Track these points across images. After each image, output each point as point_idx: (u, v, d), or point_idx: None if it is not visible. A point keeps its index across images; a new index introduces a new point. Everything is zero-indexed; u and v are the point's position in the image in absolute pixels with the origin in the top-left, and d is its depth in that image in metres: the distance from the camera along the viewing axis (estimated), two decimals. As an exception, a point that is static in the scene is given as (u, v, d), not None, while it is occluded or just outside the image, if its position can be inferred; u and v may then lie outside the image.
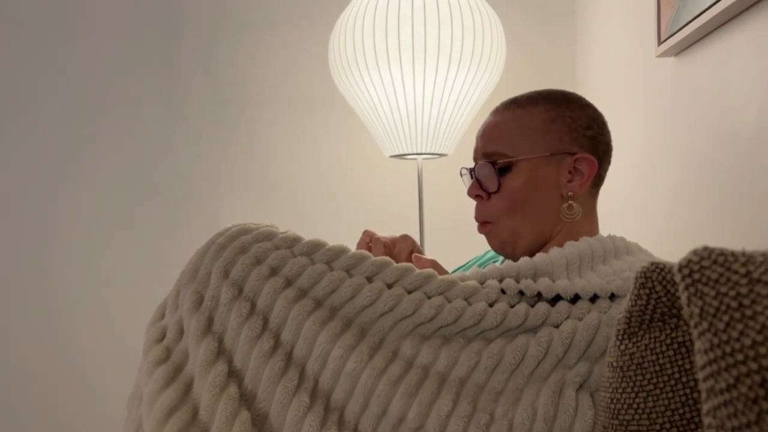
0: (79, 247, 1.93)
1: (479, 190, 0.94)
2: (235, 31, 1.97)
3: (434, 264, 0.93)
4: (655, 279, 0.55)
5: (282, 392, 0.72)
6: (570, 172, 0.91)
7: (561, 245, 0.89)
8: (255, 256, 0.79)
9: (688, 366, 0.55)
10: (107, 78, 1.95)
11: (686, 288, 0.46)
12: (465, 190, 0.98)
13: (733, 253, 0.45)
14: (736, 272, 0.44)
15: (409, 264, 0.81)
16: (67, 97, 1.95)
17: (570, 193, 0.90)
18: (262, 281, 0.78)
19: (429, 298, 0.78)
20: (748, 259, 0.44)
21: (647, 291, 0.56)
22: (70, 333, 1.92)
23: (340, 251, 0.81)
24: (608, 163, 0.96)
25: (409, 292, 0.78)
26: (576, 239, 0.89)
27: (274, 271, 0.79)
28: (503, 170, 0.91)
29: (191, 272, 0.81)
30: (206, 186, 1.96)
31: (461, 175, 1.02)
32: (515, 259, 0.91)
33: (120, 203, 1.94)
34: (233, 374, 0.75)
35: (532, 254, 0.91)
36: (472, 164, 0.98)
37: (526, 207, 0.90)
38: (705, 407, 0.44)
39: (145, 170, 1.95)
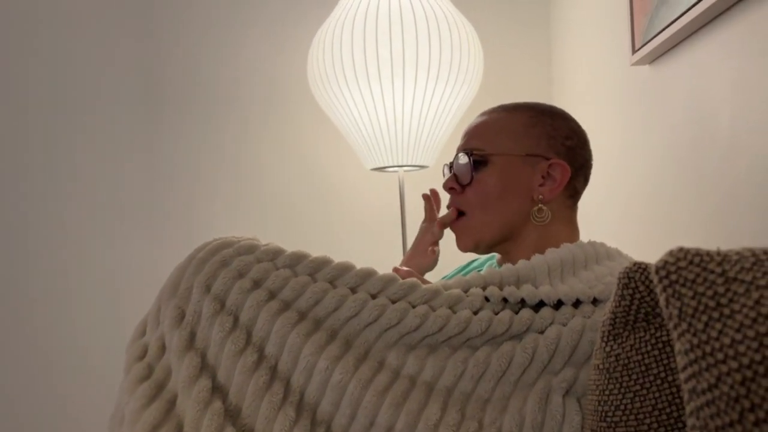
0: (57, 255, 1.91)
1: (454, 183, 0.98)
2: (215, 43, 1.97)
3: (410, 274, 0.93)
4: (638, 279, 0.56)
5: (267, 406, 0.72)
6: (543, 177, 0.94)
7: (534, 249, 0.92)
8: (237, 269, 0.79)
9: (673, 365, 0.55)
10: (81, 84, 1.93)
11: (664, 289, 0.47)
12: (448, 200, 1.01)
13: (708, 253, 0.46)
14: (712, 272, 0.45)
15: (392, 273, 0.81)
16: (40, 100, 1.93)
17: (540, 197, 0.93)
18: (245, 294, 0.77)
19: (413, 307, 0.78)
20: (723, 258, 0.45)
21: (630, 291, 0.57)
22: (46, 352, 1.89)
23: (324, 262, 0.81)
24: (585, 178, 0.99)
25: (394, 302, 0.78)
26: (552, 245, 0.91)
27: (256, 284, 0.79)
28: (478, 164, 0.95)
29: (172, 287, 0.80)
30: (185, 197, 1.95)
31: (443, 174, 1.05)
32: (480, 253, 0.98)
33: (95, 213, 1.92)
34: (217, 389, 0.74)
35: (495, 249, 0.98)
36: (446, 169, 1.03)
37: (497, 202, 0.94)
38: (688, 407, 0.45)
39: (122, 181, 1.93)
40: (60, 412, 1.89)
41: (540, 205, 0.93)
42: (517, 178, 0.94)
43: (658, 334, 0.57)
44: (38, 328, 1.89)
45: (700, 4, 0.94)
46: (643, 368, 0.57)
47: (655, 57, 1.18)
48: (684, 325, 0.45)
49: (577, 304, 0.80)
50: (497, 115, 0.98)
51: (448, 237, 1.66)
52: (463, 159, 0.96)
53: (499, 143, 0.95)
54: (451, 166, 1.01)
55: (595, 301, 0.80)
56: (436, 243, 1.11)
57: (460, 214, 0.99)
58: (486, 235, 0.96)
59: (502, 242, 0.97)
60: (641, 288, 0.56)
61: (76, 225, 1.92)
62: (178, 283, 0.80)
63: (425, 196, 1.16)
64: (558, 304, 0.81)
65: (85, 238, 1.92)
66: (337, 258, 0.83)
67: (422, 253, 1.11)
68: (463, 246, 0.99)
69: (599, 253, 0.89)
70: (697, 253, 0.46)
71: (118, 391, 0.78)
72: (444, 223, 1.04)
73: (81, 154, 1.93)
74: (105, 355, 1.86)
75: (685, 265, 0.46)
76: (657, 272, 0.47)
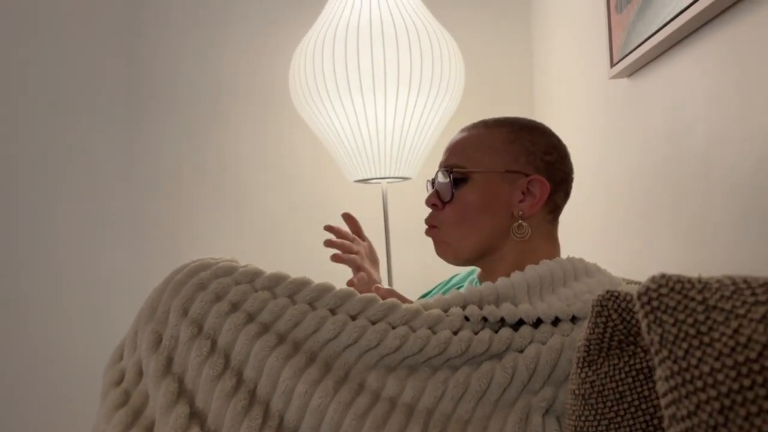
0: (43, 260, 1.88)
1: (436, 200, 0.98)
2: (197, 53, 1.95)
3: (391, 293, 0.92)
4: (611, 307, 0.56)
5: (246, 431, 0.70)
6: (523, 193, 0.94)
7: (514, 265, 0.93)
8: (215, 292, 0.78)
9: (647, 393, 0.55)
10: (64, 90, 1.91)
11: (645, 315, 0.47)
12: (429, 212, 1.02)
13: (689, 280, 0.46)
14: (693, 299, 0.45)
15: (372, 295, 0.80)
16: (20, 106, 1.90)
17: (520, 213, 0.93)
18: (223, 318, 0.76)
19: (393, 328, 0.77)
20: (704, 285, 0.45)
21: (603, 319, 0.57)
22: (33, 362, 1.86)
23: (303, 284, 0.80)
24: (565, 193, 0.98)
25: (374, 323, 0.78)
26: (533, 261, 0.91)
27: (234, 307, 0.77)
28: (459, 182, 0.95)
29: (149, 311, 0.78)
30: (166, 208, 1.93)
31: (427, 189, 1.06)
32: (457, 264, 0.99)
33: (77, 221, 1.90)
34: (195, 415, 0.73)
35: (474, 263, 0.98)
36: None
37: (475, 219, 0.94)
38: (668, 434, 0.45)
39: (103, 189, 1.91)
40: (40, 422, 1.86)
41: (520, 221, 0.93)
42: (497, 194, 0.94)
43: (632, 362, 0.57)
44: (22, 336, 1.86)
45: (675, 20, 0.95)
46: (618, 396, 0.57)
47: (633, 71, 1.19)
48: (665, 352, 0.45)
49: (556, 322, 0.80)
50: (477, 132, 0.98)
51: (430, 248, 1.67)
52: (443, 176, 0.96)
53: (479, 160, 0.95)
54: (433, 182, 1.01)
55: (573, 319, 0.80)
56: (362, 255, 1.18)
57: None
58: (463, 250, 0.96)
59: (481, 257, 0.97)
60: (614, 316, 0.56)
61: (58, 232, 1.89)
62: (156, 307, 0.78)
63: (346, 216, 1.22)
64: (537, 322, 0.80)
65: (67, 245, 1.89)
66: (322, 273, 0.82)
67: (374, 266, 1.18)
68: (441, 254, 1.00)
69: (578, 269, 0.89)
70: (679, 279, 0.46)
71: (96, 418, 0.76)
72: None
73: (62, 162, 1.91)
74: (87, 365, 1.84)
75: (667, 292, 0.46)
76: (639, 298, 0.47)
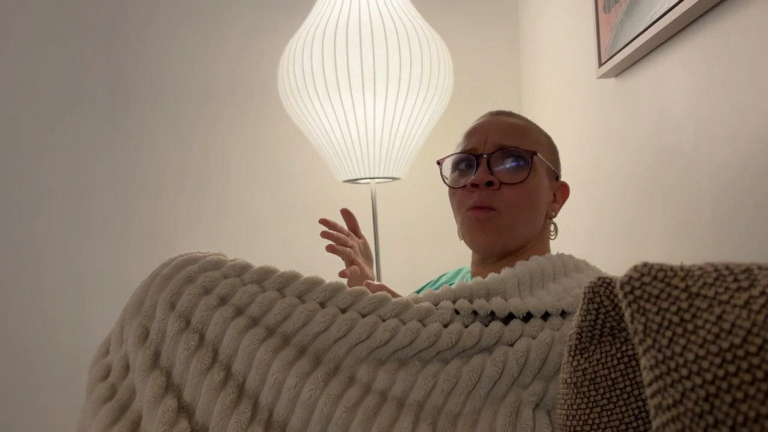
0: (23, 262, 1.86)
1: (492, 177, 0.91)
2: (185, 52, 1.95)
3: (383, 288, 0.92)
4: (603, 293, 0.56)
5: (235, 425, 0.70)
6: (554, 194, 0.98)
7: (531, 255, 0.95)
8: (203, 285, 0.77)
9: (639, 379, 0.56)
10: (46, 89, 1.90)
11: (629, 305, 0.47)
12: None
13: (672, 268, 0.46)
14: (675, 287, 0.45)
15: (362, 288, 0.80)
16: (2, 104, 1.89)
17: (552, 213, 0.98)
18: (211, 311, 0.76)
19: (383, 321, 0.77)
20: (686, 273, 0.45)
21: (596, 306, 0.57)
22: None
23: (292, 277, 0.79)
24: None
25: (364, 316, 0.78)
26: (538, 253, 0.94)
27: (223, 300, 0.77)
28: (525, 167, 0.92)
29: (135, 305, 0.78)
30: (151, 207, 1.92)
31: (438, 164, 1.00)
32: (492, 256, 0.94)
33: (61, 220, 1.88)
34: (183, 409, 0.72)
35: (511, 254, 0.95)
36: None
37: (531, 209, 0.94)
38: (654, 423, 0.45)
39: (89, 188, 1.90)
40: (24, 422, 1.84)
41: (554, 222, 0.99)
42: (546, 190, 0.96)
43: (624, 349, 0.57)
44: (4, 337, 1.84)
45: (662, 19, 0.95)
46: (610, 382, 0.57)
47: (621, 70, 1.19)
48: (649, 341, 0.45)
49: (545, 316, 0.81)
50: (526, 123, 0.99)
51: (418, 248, 1.67)
52: (513, 157, 0.92)
53: (543, 152, 0.96)
54: (477, 157, 0.93)
55: (563, 314, 0.81)
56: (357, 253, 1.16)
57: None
58: (515, 240, 0.93)
59: (512, 253, 0.95)
60: (606, 302, 0.56)
61: (41, 231, 1.88)
62: (142, 301, 0.78)
63: (344, 211, 1.19)
64: (527, 317, 0.81)
65: (51, 244, 1.88)
66: (310, 271, 0.82)
67: (367, 263, 1.17)
68: (484, 242, 0.93)
69: (567, 265, 0.89)
70: (661, 268, 0.46)
71: (81, 413, 0.76)
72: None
73: (46, 161, 1.89)
74: (71, 366, 1.82)
75: (649, 281, 0.46)
76: (622, 287, 0.47)
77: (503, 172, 0.92)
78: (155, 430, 0.69)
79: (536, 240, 0.97)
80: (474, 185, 0.92)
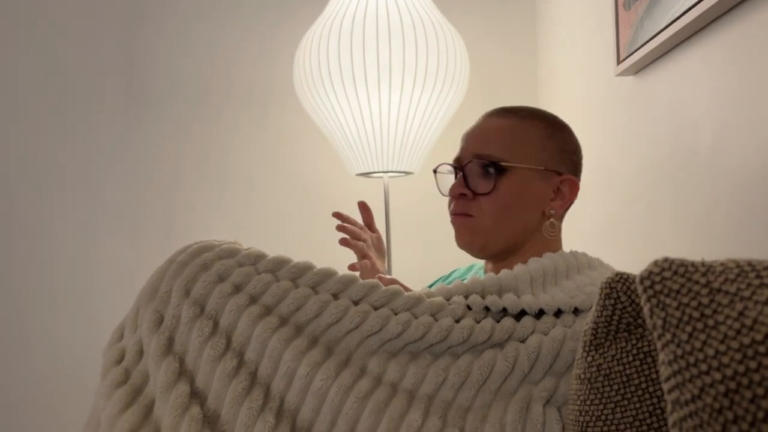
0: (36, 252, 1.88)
1: (465, 189, 0.93)
2: (200, 45, 1.95)
3: (395, 282, 0.92)
4: (620, 289, 0.56)
5: (246, 413, 0.70)
6: (554, 191, 0.94)
7: (531, 256, 0.92)
8: (217, 273, 0.78)
9: (654, 376, 0.55)
10: (63, 85, 1.91)
11: (648, 299, 0.47)
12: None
13: (693, 264, 0.46)
14: (696, 282, 0.44)
15: (375, 281, 0.80)
16: (20, 99, 1.90)
17: (552, 212, 0.93)
18: (225, 299, 0.76)
19: (395, 314, 0.77)
20: (708, 268, 0.45)
21: (612, 301, 0.56)
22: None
23: (306, 268, 0.80)
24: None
25: (376, 309, 0.78)
26: (541, 254, 0.90)
27: (237, 289, 0.77)
28: (498, 173, 0.91)
29: (151, 291, 0.78)
30: (167, 200, 1.93)
31: (434, 172, 1.02)
32: (480, 257, 0.95)
33: (76, 214, 1.90)
34: (196, 395, 0.73)
35: (497, 258, 0.95)
36: (445, 168, 1.01)
37: (510, 214, 0.92)
38: (671, 419, 0.44)
39: (104, 181, 1.91)
40: (38, 413, 1.85)
41: (552, 220, 0.94)
42: (533, 191, 0.93)
43: (639, 345, 0.56)
44: (17, 328, 1.86)
45: (683, 17, 0.95)
46: (625, 379, 0.56)
47: (639, 68, 1.19)
48: (668, 336, 0.45)
49: (558, 313, 0.80)
50: (511, 122, 0.94)
51: (430, 243, 1.66)
52: (482, 167, 0.92)
53: (519, 154, 0.92)
54: (458, 168, 0.95)
55: (576, 311, 0.81)
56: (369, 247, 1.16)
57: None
58: (496, 243, 0.93)
59: (505, 252, 0.94)
60: (623, 298, 0.56)
61: (57, 225, 1.89)
62: (157, 287, 0.78)
63: (361, 204, 1.19)
64: (539, 314, 0.80)
65: (66, 238, 1.89)
66: (321, 264, 0.82)
67: (380, 257, 1.16)
68: (466, 244, 0.95)
69: (581, 263, 0.89)
70: (682, 263, 0.46)
71: (94, 396, 0.76)
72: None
73: (62, 155, 1.90)
74: (84, 357, 1.83)
75: (670, 276, 0.46)
76: (641, 282, 0.47)
77: (475, 182, 0.93)
78: (168, 414, 0.70)
79: (535, 239, 0.94)
80: (461, 194, 0.95)
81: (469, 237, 0.94)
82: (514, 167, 0.91)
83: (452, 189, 0.95)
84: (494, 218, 0.92)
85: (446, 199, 0.99)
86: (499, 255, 0.95)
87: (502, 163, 0.91)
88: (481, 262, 1.09)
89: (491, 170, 0.91)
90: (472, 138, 0.96)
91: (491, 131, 0.95)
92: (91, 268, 1.89)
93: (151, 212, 1.92)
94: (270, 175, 1.96)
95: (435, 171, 1.02)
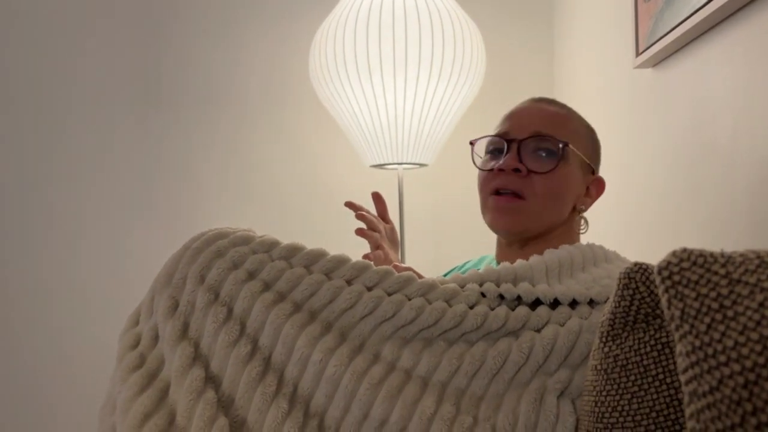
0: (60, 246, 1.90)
1: (520, 164, 0.90)
2: (215, 37, 1.96)
3: (408, 269, 0.92)
4: (639, 279, 0.55)
5: (260, 398, 0.71)
6: (587, 187, 0.96)
7: (556, 247, 0.90)
8: (232, 260, 0.78)
9: (672, 367, 0.55)
10: (82, 80, 1.92)
11: (666, 290, 0.46)
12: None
13: (712, 254, 0.45)
14: (716, 273, 0.44)
15: (388, 267, 0.80)
16: (39, 96, 1.92)
17: (582, 207, 0.95)
18: (239, 285, 0.76)
19: (409, 300, 0.77)
20: (727, 259, 0.44)
21: (631, 292, 0.56)
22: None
23: (319, 254, 0.80)
24: None
25: (389, 295, 0.78)
26: (566, 243, 0.92)
27: (251, 275, 0.78)
28: (560, 155, 0.90)
29: (166, 277, 0.79)
30: (181, 193, 1.94)
31: (471, 144, 0.99)
32: (508, 239, 0.94)
33: (94, 207, 1.91)
34: (210, 380, 0.73)
35: (534, 239, 0.93)
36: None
37: (557, 200, 0.92)
38: (688, 410, 0.44)
39: (121, 175, 1.92)
40: (53, 400, 1.88)
41: (583, 216, 0.96)
42: (576, 182, 0.94)
43: (657, 336, 0.56)
44: (41, 319, 1.88)
45: (704, 9, 0.93)
46: (642, 369, 0.56)
47: (659, 60, 1.17)
48: (686, 327, 0.45)
49: (573, 304, 0.80)
50: (565, 111, 0.95)
51: (444, 235, 1.66)
52: (544, 146, 0.90)
53: (577, 142, 0.93)
54: (510, 142, 0.91)
55: (591, 303, 0.80)
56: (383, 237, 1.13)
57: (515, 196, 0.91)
58: (533, 228, 0.92)
59: (536, 237, 0.93)
60: (641, 288, 0.56)
61: (74, 218, 1.91)
62: (173, 273, 0.79)
63: (375, 195, 1.16)
64: (554, 304, 0.80)
65: (83, 230, 1.91)
66: (334, 253, 0.82)
67: (393, 248, 1.15)
68: (506, 223, 0.92)
69: (597, 255, 0.88)
70: (701, 254, 0.45)
71: (110, 380, 0.77)
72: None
73: (80, 149, 1.92)
74: (100, 345, 1.85)
75: (689, 266, 0.45)
76: (659, 272, 0.47)
77: (532, 160, 0.90)
78: (183, 398, 0.70)
79: (562, 229, 0.95)
80: (501, 170, 0.91)
81: (512, 219, 0.91)
82: (575, 153, 0.92)
83: (506, 162, 0.90)
84: (543, 201, 0.90)
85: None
86: (530, 238, 0.94)
87: (569, 146, 0.91)
88: (491, 254, 1.08)
89: (552, 151, 0.90)
90: (527, 116, 0.93)
91: (550, 114, 0.94)
92: (110, 260, 1.91)
93: (168, 208, 1.93)
94: (284, 166, 1.96)
95: (472, 143, 0.99)
